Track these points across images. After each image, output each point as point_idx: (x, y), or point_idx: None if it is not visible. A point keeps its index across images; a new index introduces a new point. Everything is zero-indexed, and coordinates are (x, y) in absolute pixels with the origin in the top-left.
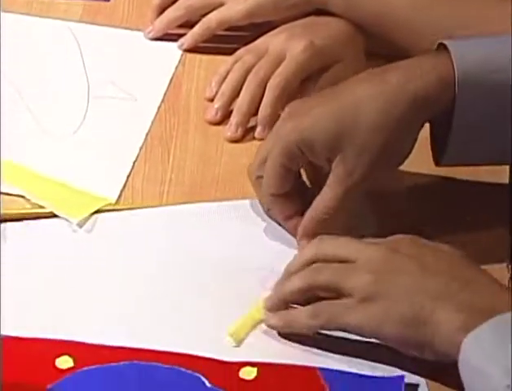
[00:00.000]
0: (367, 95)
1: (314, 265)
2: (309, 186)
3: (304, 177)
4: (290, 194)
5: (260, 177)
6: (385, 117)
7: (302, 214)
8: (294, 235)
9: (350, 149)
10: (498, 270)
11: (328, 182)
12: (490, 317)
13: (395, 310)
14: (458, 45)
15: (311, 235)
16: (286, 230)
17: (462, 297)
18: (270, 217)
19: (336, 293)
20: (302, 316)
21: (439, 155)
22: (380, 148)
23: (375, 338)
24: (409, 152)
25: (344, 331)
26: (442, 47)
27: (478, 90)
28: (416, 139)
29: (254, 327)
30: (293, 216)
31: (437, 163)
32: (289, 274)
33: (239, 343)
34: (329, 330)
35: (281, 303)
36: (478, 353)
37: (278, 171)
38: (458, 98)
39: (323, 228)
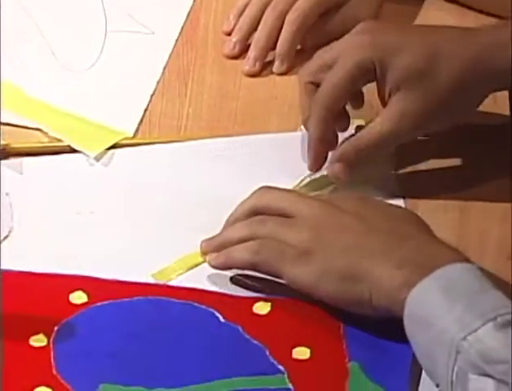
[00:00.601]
0: (453, 45)
1: (257, 217)
2: None
3: None
4: (336, 120)
5: (311, 83)
6: (463, 75)
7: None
8: (315, 161)
9: (422, 88)
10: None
11: (381, 115)
12: (432, 271)
13: (332, 266)
14: None
15: (347, 162)
16: (310, 151)
17: (401, 254)
18: (305, 127)
19: None
20: (241, 250)
21: None
22: (447, 100)
23: (310, 293)
24: (465, 116)
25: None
26: None
27: None
28: (479, 104)
29: (187, 269)
30: (326, 141)
31: None
32: (228, 223)
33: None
34: (264, 270)
35: (219, 249)
36: (427, 307)
37: (345, 83)
38: None
39: (358, 159)
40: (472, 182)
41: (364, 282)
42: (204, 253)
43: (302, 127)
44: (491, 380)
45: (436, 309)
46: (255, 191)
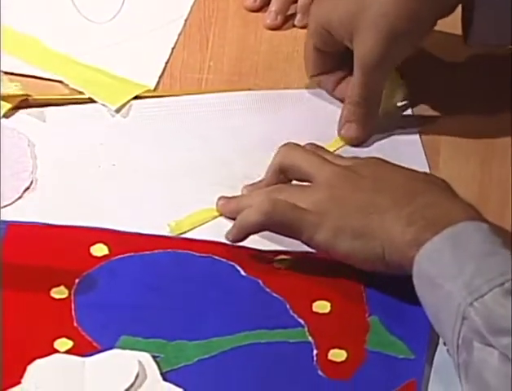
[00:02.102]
0: None
1: (274, 186)
2: None
3: None
4: (331, 69)
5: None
6: None
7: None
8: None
9: (364, 26)
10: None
11: (353, 69)
12: (443, 229)
13: (346, 225)
14: None
15: (353, 120)
16: (336, 98)
17: (411, 210)
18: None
19: None
20: (254, 212)
21: (467, 35)
22: (393, 24)
23: (325, 251)
24: (426, 31)
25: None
26: None
27: None
28: (433, 20)
29: (201, 224)
30: (339, 82)
31: (465, 43)
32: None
33: (177, 233)
34: (278, 231)
35: (233, 213)
36: (436, 267)
37: (311, 53)
38: None
39: (363, 114)
40: (494, 130)
41: (376, 238)
42: (219, 212)
43: None
44: (496, 353)
45: (445, 271)
46: (281, 148)
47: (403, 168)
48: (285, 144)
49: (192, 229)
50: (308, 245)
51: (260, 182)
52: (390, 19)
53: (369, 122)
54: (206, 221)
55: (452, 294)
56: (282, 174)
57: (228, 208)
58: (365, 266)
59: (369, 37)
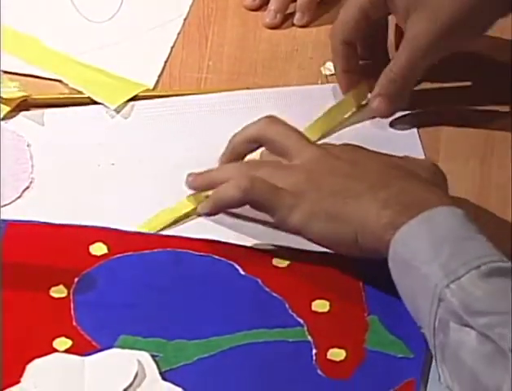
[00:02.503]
0: None
1: (250, 161)
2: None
3: None
4: (356, 48)
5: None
6: None
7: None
8: (342, 89)
9: (427, 8)
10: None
11: (401, 45)
12: (418, 213)
13: (320, 208)
14: None
15: (386, 95)
16: (339, 83)
17: (387, 194)
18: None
19: None
20: (231, 187)
21: None
22: (454, 15)
23: (299, 234)
24: (482, 31)
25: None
26: None
27: None
28: (492, 20)
29: (174, 221)
30: (350, 71)
31: None
32: (230, 145)
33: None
34: (254, 206)
35: (205, 187)
36: (411, 251)
37: (356, 14)
38: None
39: (395, 91)
40: (494, 131)
41: (351, 221)
42: (189, 188)
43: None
44: (473, 333)
45: (421, 254)
46: (262, 119)
47: (381, 154)
48: (267, 116)
49: (164, 228)
50: (279, 226)
51: (228, 152)
52: (452, 9)
53: (399, 101)
54: (180, 219)
55: (429, 276)
56: (254, 144)
57: (198, 183)
58: (338, 249)
59: (426, 22)
